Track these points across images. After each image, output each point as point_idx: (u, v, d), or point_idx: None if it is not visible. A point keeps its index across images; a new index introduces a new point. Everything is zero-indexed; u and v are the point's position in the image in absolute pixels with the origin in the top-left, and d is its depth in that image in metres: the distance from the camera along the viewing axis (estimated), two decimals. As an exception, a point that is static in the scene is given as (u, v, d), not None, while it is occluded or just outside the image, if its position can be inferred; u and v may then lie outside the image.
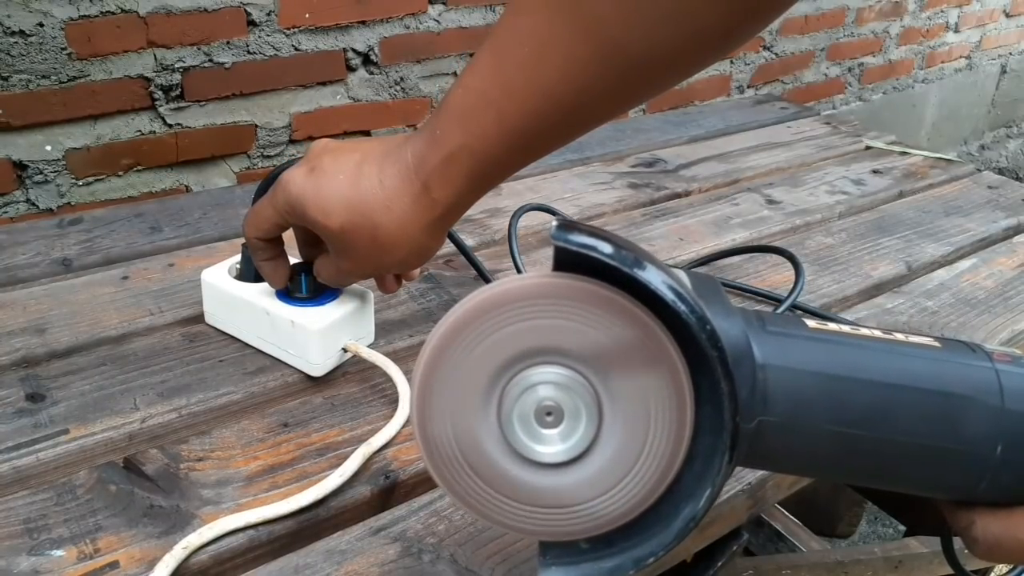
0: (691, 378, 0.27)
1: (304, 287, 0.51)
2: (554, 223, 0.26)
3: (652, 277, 0.26)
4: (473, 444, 0.28)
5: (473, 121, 0.39)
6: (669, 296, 0.26)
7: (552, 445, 0.28)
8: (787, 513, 0.84)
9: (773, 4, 0.35)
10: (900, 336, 0.31)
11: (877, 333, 0.31)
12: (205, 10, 0.99)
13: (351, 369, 0.53)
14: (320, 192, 0.43)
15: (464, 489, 0.29)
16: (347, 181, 0.43)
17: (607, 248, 0.26)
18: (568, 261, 0.26)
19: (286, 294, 0.52)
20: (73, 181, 0.98)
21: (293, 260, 0.52)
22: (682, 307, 0.26)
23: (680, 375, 0.27)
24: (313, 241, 0.49)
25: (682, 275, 0.28)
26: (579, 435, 0.28)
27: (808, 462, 0.31)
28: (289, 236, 0.50)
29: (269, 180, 0.51)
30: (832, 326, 0.31)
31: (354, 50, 1.14)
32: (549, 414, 0.27)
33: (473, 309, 0.27)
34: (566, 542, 0.29)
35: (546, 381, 0.27)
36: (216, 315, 0.55)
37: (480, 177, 0.41)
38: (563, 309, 0.27)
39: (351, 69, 1.15)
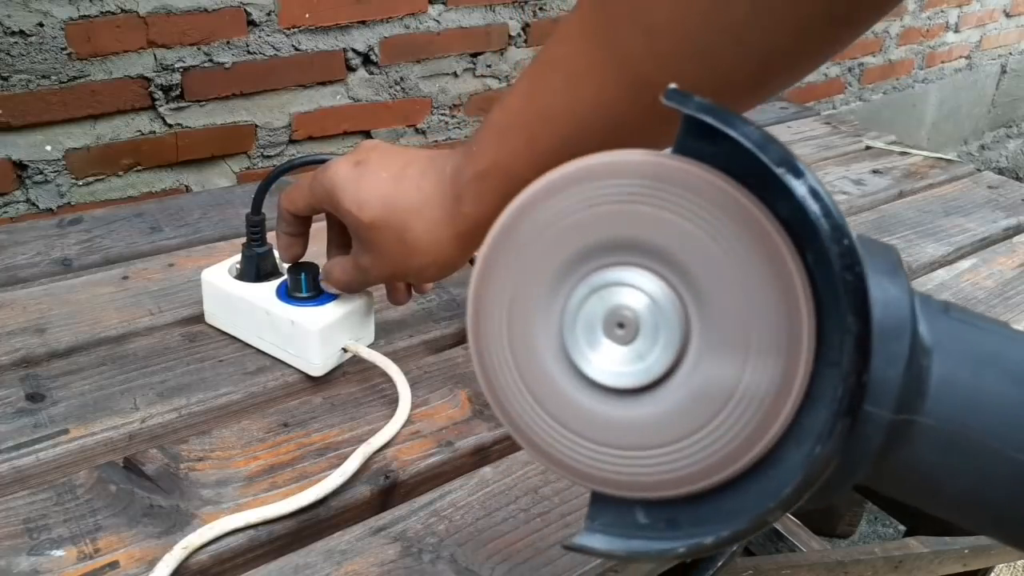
0: (818, 337, 0.21)
1: (304, 287, 0.51)
2: (672, 85, 0.21)
3: (795, 178, 0.20)
4: (526, 341, 0.24)
5: (507, 140, 0.40)
6: (800, 191, 0.20)
7: (610, 362, 0.23)
8: (787, 513, 0.84)
9: (807, 58, 0.34)
10: None
11: None
12: (205, 10, 0.99)
13: (351, 369, 0.53)
14: (360, 184, 0.44)
15: (509, 400, 0.24)
16: (388, 179, 0.44)
17: (755, 135, 0.20)
18: (692, 143, 0.22)
19: (286, 293, 0.52)
20: (73, 181, 0.98)
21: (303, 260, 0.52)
22: (813, 206, 0.20)
23: (801, 314, 0.21)
24: (343, 243, 0.50)
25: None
26: (648, 363, 0.22)
27: (972, 496, 0.23)
28: (316, 239, 0.50)
29: (270, 180, 0.51)
30: None
31: (354, 50, 1.14)
32: (621, 326, 0.22)
33: (572, 173, 0.23)
34: (622, 512, 0.24)
35: (631, 285, 0.22)
36: (216, 315, 0.55)
37: (510, 197, 0.42)
38: (678, 202, 0.22)
39: (351, 69, 1.15)
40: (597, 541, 0.24)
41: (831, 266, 0.20)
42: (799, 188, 0.20)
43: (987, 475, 0.22)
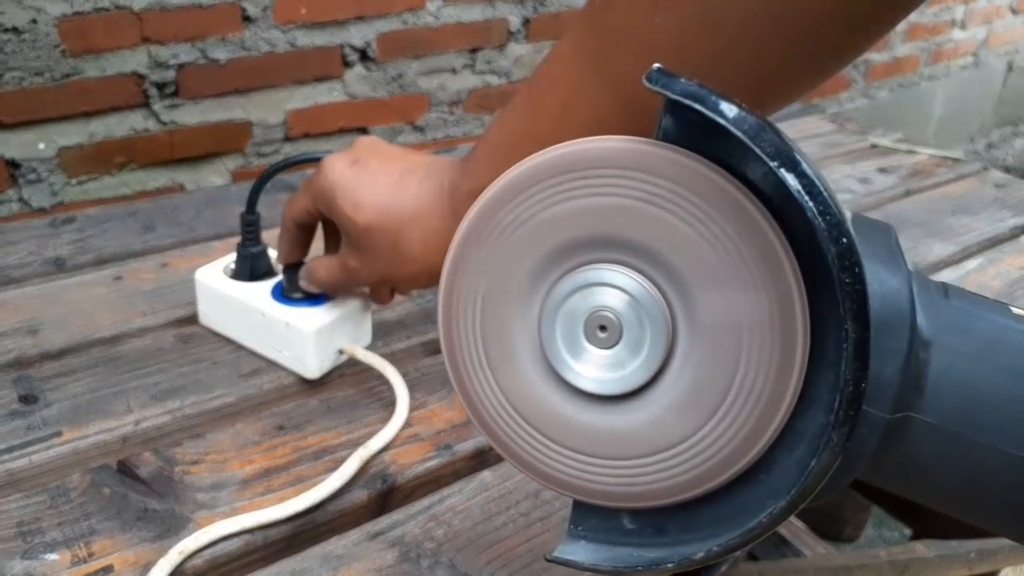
0: (811, 331, 0.20)
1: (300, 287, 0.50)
2: (656, 67, 0.19)
3: (789, 172, 0.19)
4: (502, 343, 0.23)
5: (500, 160, 0.40)
6: (793, 185, 0.18)
7: (593, 369, 0.21)
8: (791, 517, 0.83)
9: (799, 84, 0.34)
10: None
11: None
12: (200, 6, 0.98)
13: (348, 371, 0.53)
14: (357, 186, 0.44)
15: (486, 408, 0.23)
16: (386, 184, 0.44)
17: (748, 122, 0.19)
18: (679, 130, 0.20)
19: (282, 294, 0.51)
20: (66, 180, 0.98)
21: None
22: (809, 203, 0.18)
23: (796, 315, 0.20)
24: (335, 244, 0.49)
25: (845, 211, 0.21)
26: (632, 368, 0.21)
27: (968, 491, 0.22)
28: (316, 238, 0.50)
29: (265, 178, 0.50)
30: None
31: (351, 46, 1.13)
32: (603, 329, 0.21)
33: (541, 166, 0.21)
34: (607, 517, 0.23)
35: (612, 285, 0.21)
36: (210, 316, 0.54)
37: None
38: (663, 194, 0.20)
39: (348, 65, 1.14)
40: (581, 552, 0.23)
41: (828, 267, 0.19)
42: (793, 183, 0.18)
43: (984, 470, 0.21)
